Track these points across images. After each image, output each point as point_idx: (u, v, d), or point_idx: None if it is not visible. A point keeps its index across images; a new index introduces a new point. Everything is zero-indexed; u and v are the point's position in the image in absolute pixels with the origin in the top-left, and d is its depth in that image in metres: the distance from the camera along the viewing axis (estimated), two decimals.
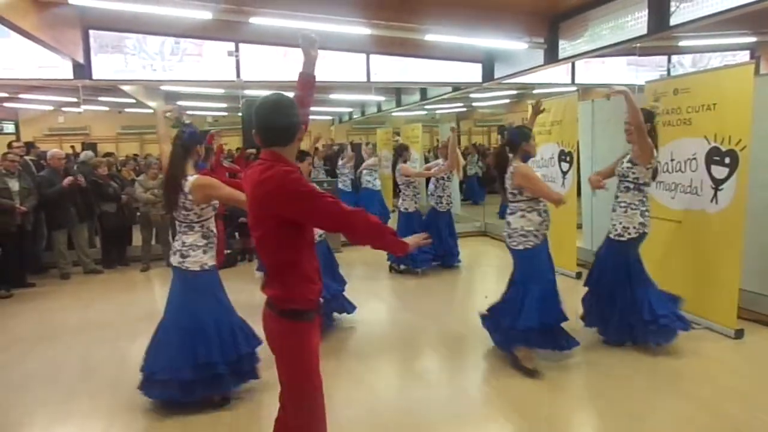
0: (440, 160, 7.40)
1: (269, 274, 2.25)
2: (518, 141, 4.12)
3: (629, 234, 4.32)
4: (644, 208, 4.32)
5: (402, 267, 7.17)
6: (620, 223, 4.35)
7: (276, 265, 2.21)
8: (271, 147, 2.15)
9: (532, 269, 4.09)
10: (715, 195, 4.70)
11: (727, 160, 4.59)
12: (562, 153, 6.77)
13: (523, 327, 3.94)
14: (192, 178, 3.48)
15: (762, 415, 3.35)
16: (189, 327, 3.52)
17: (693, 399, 3.58)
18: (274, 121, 2.14)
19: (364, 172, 10.38)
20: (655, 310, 4.21)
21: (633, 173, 4.28)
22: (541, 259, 4.12)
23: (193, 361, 3.47)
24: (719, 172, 4.67)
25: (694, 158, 4.90)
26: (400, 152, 7.38)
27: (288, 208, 2.07)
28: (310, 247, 2.26)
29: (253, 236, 2.22)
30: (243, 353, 3.66)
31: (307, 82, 2.57)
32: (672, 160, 5.15)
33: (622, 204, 4.35)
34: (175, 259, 3.57)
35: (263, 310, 2.29)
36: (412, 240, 2.33)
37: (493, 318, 4.42)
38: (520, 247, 4.09)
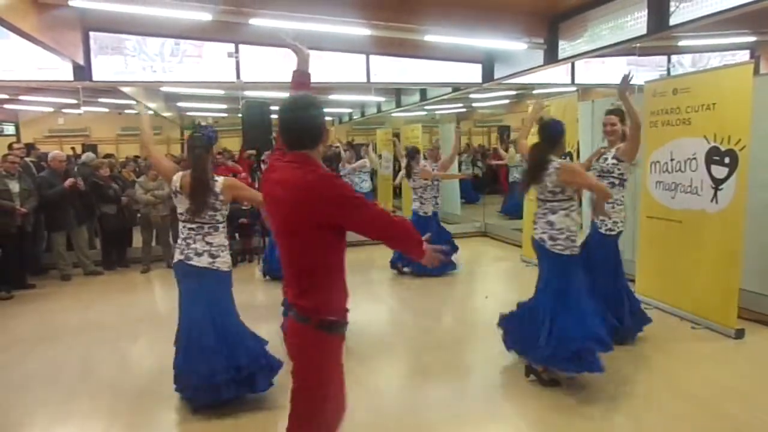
0: (427, 162, 7.35)
1: (300, 283, 2.09)
2: (560, 136, 3.87)
3: (618, 228, 4.45)
4: (623, 205, 4.48)
5: (405, 269, 7.13)
6: (610, 218, 4.40)
7: (311, 273, 2.08)
8: (299, 149, 2.07)
9: (570, 279, 3.75)
10: (715, 195, 4.70)
11: (726, 160, 4.59)
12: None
13: (551, 354, 3.64)
14: (221, 179, 3.54)
15: (762, 415, 3.35)
16: (225, 326, 3.56)
17: (693, 399, 3.58)
18: (305, 122, 2.08)
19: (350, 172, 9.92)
20: (636, 300, 4.53)
21: (618, 169, 4.34)
22: (579, 268, 3.85)
23: (235, 362, 3.48)
24: (719, 171, 4.67)
25: (694, 158, 4.90)
26: (413, 155, 7.24)
27: (335, 214, 1.99)
28: (344, 255, 2.16)
29: (282, 242, 2.11)
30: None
31: (303, 81, 2.51)
32: (672, 159, 5.14)
33: (609, 200, 4.32)
34: (203, 260, 3.50)
35: (290, 323, 2.14)
36: (429, 251, 2.21)
37: (516, 323, 4.06)
38: (567, 252, 3.75)
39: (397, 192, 12.08)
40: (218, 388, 3.44)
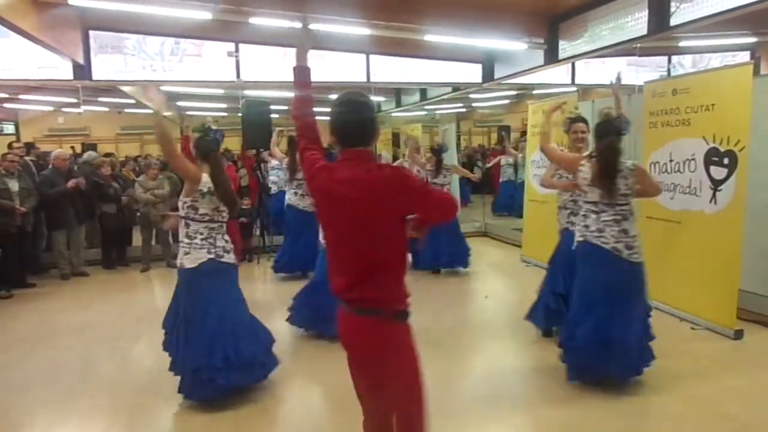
0: (407, 162, 7.33)
1: (371, 277, 2.07)
2: (625, 133, 3.62)
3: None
4: None
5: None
6: None
7: (384, 266, 2.08)
8: (357, 146, 2.08)
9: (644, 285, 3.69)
10: (714, 195, 4.70)
11: (725, 161, 4.59)
12: None
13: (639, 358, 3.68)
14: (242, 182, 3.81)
15: (762, 415, 3.35)
16: (243, 317, 3.77)
17: (693, 399, 3.58)
18: (364, 120, 2.09)
19: None
20: None
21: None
22: None
23: (251, 351, 3.66)
24: (718, 172, 4.67)
25: (693, 159, 4.90)
26: (439, 153, 7.11)
27: (409, 203, 2.05)
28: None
29: (348, 238, 2.08)
30: None
31: (305, 80, 2.50)
32: (671, 160, 5.15)
33: None
34: (231, 257, 3.67)
35: (356, 321, 2.11)
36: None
37: (587, 350, 3.66)
38: (642, 259, 3.62)
39: None
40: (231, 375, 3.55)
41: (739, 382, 3.84)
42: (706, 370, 4.06)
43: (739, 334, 4.56)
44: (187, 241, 3.56)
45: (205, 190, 3.53)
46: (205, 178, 3.55)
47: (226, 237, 3.68)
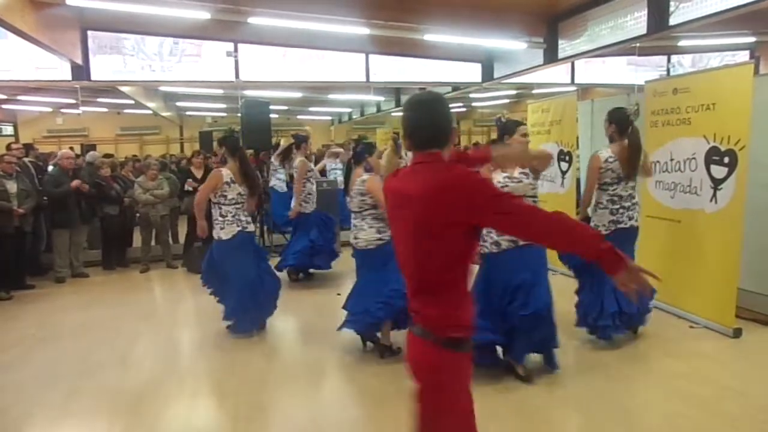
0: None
1: (422, 290, 1.92)
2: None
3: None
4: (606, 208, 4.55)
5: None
6: (592, 221, 4.53)
7: (438, 281, 1.88)
8: (431, 148, 1.90)
9: None
10: (714, 194, 4.70)
11: (726, 160, 4.59)
12: (561, 153, 6.76)
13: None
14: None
15: (759, 414, 3.35)
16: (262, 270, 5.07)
17: (691, 397, 3.58)
18: (439, 121, 1.93)
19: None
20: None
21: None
22: None
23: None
24: (718, 171, 4.67)
25: (694, 158, 4.90)
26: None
27: (474, 213, 1.80)
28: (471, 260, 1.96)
29: (411, 245, 1.90)
30: None
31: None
32: (671, 159, 5.14)
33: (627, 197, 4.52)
34: (251, 227, 4.99)
35: (412, 338, 1.96)
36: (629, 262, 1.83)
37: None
38: None
39: None
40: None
41: (737, 381, 3.84)
42: (705, 368, 4.05)
43: (738, 333, 4.56)
44: (221, 219, 4.74)
45: (229, 180, 4.69)
46: (225, 171, 4.72)
47: (246, 212, 4.89)
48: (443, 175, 1.83)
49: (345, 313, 4.41)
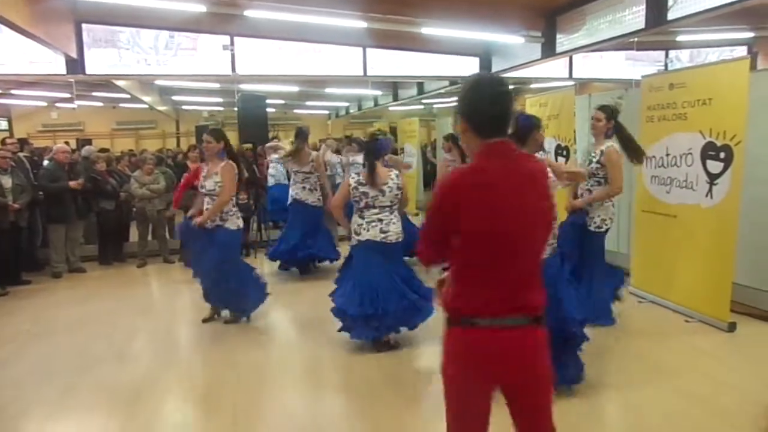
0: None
1: (533, 280, 1.87)
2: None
3: (606, 225, 4.63)
4: (610, 202, 4.67)
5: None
6: (599, 216, 4.58)
7: (538, 268, 1.89)
8: (504, 136, 1.81)
9: None
10: (710, 190, 4.71)
11: (722, 155, 4.59)
12: (558, 147, 6.76)
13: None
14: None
15: (753, 407, 3.36)
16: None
17: (685, 391, 3.59)
18: (510, 105, 1.84)
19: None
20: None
21: (602, 172, 4.54)
22: None
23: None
24: (714, 166, 4.67)
25: (690, 153, 4.90)
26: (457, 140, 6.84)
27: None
28: None
29: (529, 237, 1.82)
30: None
31: None
32: (667, 154, 5.15)
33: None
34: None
35: (530, 333, 1.84)
36: None
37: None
38: None
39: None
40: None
41: (731, 374, 3.86)
42: (699, 362, 4.07)
43: (732, 327, 4.58)
44: (226, 211, 4.88)
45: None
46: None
47: None
48: (537, 164, 1.88)
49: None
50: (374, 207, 4.30)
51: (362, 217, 4.33)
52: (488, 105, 1.78)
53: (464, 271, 1.86)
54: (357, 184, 4.29)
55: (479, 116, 1.79)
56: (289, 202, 6.83)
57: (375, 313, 4.17)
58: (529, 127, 3.38)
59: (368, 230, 4.30)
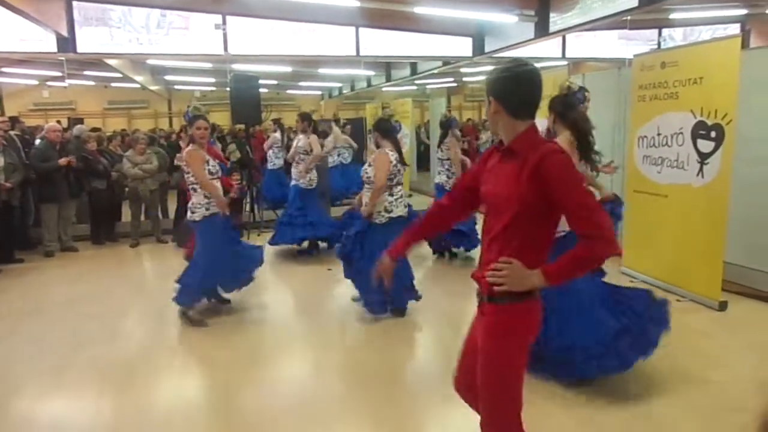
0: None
1: None
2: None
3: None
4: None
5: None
6: None
7: None
8: (533, 118, 1.95)
9: None
10: (701, 169, 4.74)
11: (713, 134, 4.61)
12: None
13: None
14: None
15: (745, 384, 3.42)
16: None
17: (677, 369, 3.65)
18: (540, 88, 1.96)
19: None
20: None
21: None
22: None
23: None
24: (705, 146, 4.69)
25: (681, 132, 4.92)
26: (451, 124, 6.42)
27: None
28: None
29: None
30: None
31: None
32: (658, 134, 5.16)
33: None
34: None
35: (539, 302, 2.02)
36: None
37: None
38: None
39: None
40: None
41: (722, 352, 3.93)
42: (691, 340, 4.12)
43: (723, 306, 4.64)
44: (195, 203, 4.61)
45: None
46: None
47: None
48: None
49: (338, 288, 4.42)
50: (400, 184, 4.55)
51: (392, 195, 4.48)
52: (538, 93, 1.91)
53: (547, 245, 1.99)
54: (396, 161, 4.45)
55: (527, 103, 1.90)
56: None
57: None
58: None
59: (398, 207, 4.50)
